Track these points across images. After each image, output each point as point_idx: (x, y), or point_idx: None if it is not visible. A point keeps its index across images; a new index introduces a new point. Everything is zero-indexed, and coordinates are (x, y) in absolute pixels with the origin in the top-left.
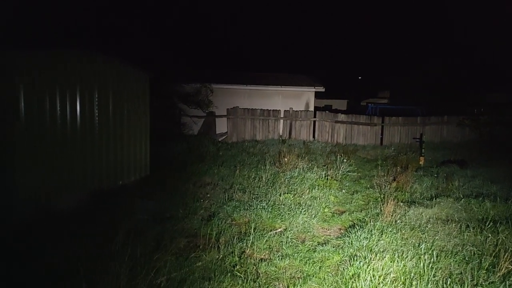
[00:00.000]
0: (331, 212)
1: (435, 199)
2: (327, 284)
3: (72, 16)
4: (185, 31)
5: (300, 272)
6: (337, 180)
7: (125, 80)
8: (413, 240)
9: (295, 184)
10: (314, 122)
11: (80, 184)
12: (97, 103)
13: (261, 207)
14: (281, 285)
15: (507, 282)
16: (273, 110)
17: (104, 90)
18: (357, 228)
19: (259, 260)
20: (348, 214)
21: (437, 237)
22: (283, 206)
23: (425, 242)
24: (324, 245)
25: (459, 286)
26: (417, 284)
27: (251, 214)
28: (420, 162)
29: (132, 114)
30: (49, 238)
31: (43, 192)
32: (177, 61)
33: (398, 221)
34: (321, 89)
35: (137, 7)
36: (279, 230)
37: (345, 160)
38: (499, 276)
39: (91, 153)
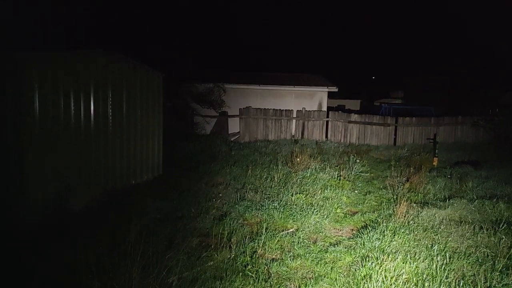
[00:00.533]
0: (343, 213)
1: (449, 200)
2: (338, 284)
3: (80, 15)
4: (198, 31)
5: (312, 272)
6: (349, 181)
7: (138, 79)
8: (426, 241)
9: (307, 184)
10: (327, 122)
11: (94, 183)
12: (111, 102)
13: (273, 207)
14: (292, 285)
15: None
16: (285, 110)
17: (118, 89)
18: (370, 229)
19: (270, 260)
20: (361, 215)
21: (450, 239)
22: (295, 206)
23: (438, 243)
24: (336, 245)
25: None
26: (429, 285)
27: (263, 214)
28: (434, 163)
29: (145, 114)
30: (62, 237)
31: (57, 191)
32: (190, 61)
33: (411, 222)
34: (334, 89)
35: (146, 6)
36: (291, 230)
37: (358, 161)
38: None
39: (104, 153)
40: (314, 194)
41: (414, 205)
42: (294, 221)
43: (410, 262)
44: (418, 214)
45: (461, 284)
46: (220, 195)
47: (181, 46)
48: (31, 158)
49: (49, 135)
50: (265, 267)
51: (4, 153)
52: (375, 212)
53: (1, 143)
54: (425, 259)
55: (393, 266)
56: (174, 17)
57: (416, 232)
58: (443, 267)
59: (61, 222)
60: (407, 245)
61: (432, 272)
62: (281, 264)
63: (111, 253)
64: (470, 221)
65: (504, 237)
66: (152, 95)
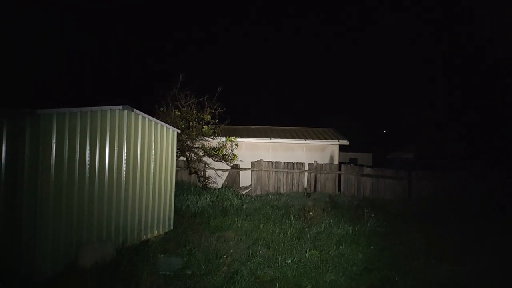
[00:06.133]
0: (359, 270)
1: (469, 255)
2: None
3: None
4: (210, 83)
5: None
6: (365, 236)
7: (153, 134)
8: None
9: (321, 240)
10: (339, 175)
11: (105, 239)
12: (126, 157)
13: (285, 264)
14: None
15: None
16: (297, 163)
17: (133, 145)
18: (387, 286)
19: None
20: (377, 272)
21: None
22: (309, 263)
23: None
24: None
25: None
26: None
27: (275, 271)
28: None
29: (158, 168)
30: None
31: (67, 247)
32: (203, 116)
33: (430, 279)
34: (346, 142)
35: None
36: None
37: (372, 215)
38: None
39: (117, 208)
40: (329, 250)
41: (433, 260)
42: (308, 279)
43: None
44: (437, 270)
45: None
46: (231, 251)
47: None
48: (44, 212)
49: (63, 188)
50: None
51: (18, 205)
52: (392, 269)
53: (15, 194)
54: None
55: None
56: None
57: None
58: None
59: (70, 279)
60: None
61: None
62: None
63: None
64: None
65: None
66: (167, 149)
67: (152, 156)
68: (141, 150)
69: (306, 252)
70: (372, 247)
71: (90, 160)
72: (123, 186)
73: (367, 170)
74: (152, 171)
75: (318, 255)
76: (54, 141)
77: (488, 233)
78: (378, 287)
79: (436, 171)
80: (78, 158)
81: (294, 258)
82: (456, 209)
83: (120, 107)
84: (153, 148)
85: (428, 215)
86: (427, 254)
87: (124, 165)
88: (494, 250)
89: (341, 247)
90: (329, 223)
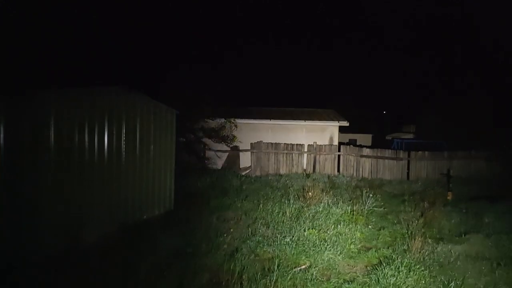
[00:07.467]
0: (357, 249)
1: (465, 235)
2: None
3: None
4: (210, 66)
5: None
6: (363, 216)
7: (152, 115)
8: (442, 278)
9: (320, 219)
10: (339, 156)
11: (106, 217)
12: (125, 137)
13: (285, 243)
14: None
15: None
16: (296, 144)
17: (132, 125)
18: (384, 265)
19: None
20: (375, 251)
21: (467, 275)
22: (307, 242)
23: (455, 280)
24: (350, 283)
25: None
26: None
27: (274, 249)
28: (448, 197)
29: (158, 149)
30: (73, 271)
31: (69, 225)
32: (202, 97)
33: (426, 258)
34: (345, 123)
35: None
36: (304, 266)
37: (371, 195)
38: None
39: (117, 187)
40: (327, 229)
41: (429, 240)
42: (307, 257)
43: None
44: (434, 249)
45: None
46: (231, 230)
47: (194, 82)
48: (45, 190)
49: (64, 167)
50: None
51: (20, 182)
52: (390, 248)
53: (17, 173)
54: None
55: None
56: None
57: (431, 268)
58: None
59: (72, 256)
60: (423, 282)
61: None
62: None
63: None
64: (488, 257)
65: None
66: (166, 130)
67: (152, 137)
68: (140, 131)
69: (304, 231)
70: (370, 227)
71: (89, 140)
72: (123, 166)
73: (366, 151)
74: (152, 152)
75: (317, 234)
76: (52, 120)
77: (486, 213)
78: (375, 266)
79: (434, 152)
80: (77, 139)
81: (293, 236)
82: (455, 189)
83: (118, 87)
84: (152, 128)
85: (426, 195)
86: (424, 234)
87: (123, 146)
88: (491, 230)
89: (339, 226)
90: (328, 203)
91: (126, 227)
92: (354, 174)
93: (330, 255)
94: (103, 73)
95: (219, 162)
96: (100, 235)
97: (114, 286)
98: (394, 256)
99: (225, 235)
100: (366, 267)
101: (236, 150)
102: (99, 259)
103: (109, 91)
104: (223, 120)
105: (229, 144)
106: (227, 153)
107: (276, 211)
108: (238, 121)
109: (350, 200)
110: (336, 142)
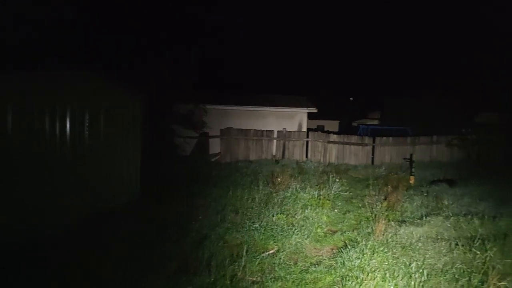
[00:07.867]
0: (323, 232)
1: (425, 217)
2: None
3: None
4: (178, 51)
5: None
6: (329, 200)
7: (116, 100)
8: (404, 259)
9: (288, 205)
10: (307, 142)
11: (69, 207)
12: (88, 124)
13: (253, 228)
14: None
15: None
16: (266, 130)
17: (95, 111)
18: (349, 248)
19: (251, 283)
20: (340, 234)
21: (427, 256)
22: (276, 227)
23: (416, 260)
24: (316, 265)
25: None
26: None
27: (243, 235)
28: (410, 182)
29: (123, 135)
30: (35, 262)
31: (31, 215)
32: (169, 82)
33: (390, 240)
34: (314, 110)
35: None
36: (272, 251)
37: (337, 180)
38: None
39: (81, 175)
40: (295, 214)
41: (392, 223)
42: (275, 242)
43: (389, 280)
44: (396, 232)
45: None
46: (200, 217)
47: (160, 66)
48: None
49: (22, 154)
50: None
51: None
52: (355, 231)
53: None
54: (404, 276)
55: (373, 285)
56: (157, 35)
57: (394, 250)
58: (421, 285)
59: (32, 247)
60: (386, 263)
61: None
62: (261, 287)
63: (88, 280)
64: (446, 237)
65: (478, 252)
66: (131, 116)
67: (116, 122)
68: (104, 115)
69: (273, 216)
70: (336, 211)
71: (49, 126)
72: (86, 152)
73: (333, 137)
74: (117, 137)
75: (285, 219)
76: (10, 105)
77: (446, 196)
78: (341, 249)
79: (398, 137)
80: (37, 125)
81: (262, 222)
82: (417, 173)
83: (82, 71)
84: (117, 115)
85: (389, 179)
86: (387, 217)
87: (86, 132)
88: (450, 212)
89: (306, 211)
90: (296, 188)
91: (91, 216)
92: (322, 159)
93: (298, 239)
94: (67, 55)
95: (188, 148)
96: (63, 225)
97: (75, 280)
98: (359, 239)
99: (193, 222)
100: (332, 250)
101: (205, 137)
102: (62, 248)
103: (73, 74)
104: (192, 105)
105: (198, 131)
106: (196, 140)
107: (245, 197)
108: (208, 106)
109: (317, 185)
110: (305, 128)
